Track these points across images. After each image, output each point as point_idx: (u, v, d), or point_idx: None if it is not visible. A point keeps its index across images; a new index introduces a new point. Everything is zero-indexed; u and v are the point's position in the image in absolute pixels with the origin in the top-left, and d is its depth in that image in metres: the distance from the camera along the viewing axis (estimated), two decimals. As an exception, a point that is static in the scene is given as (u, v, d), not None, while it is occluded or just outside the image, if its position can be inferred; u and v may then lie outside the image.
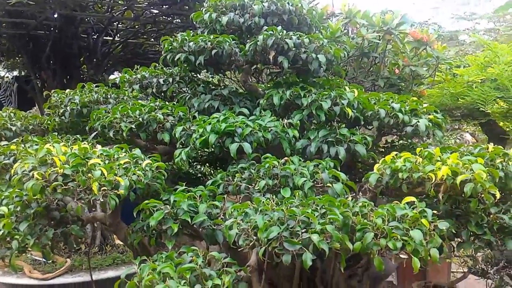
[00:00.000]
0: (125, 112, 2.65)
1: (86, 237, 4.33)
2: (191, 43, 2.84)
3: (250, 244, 1.90)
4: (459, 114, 4.74)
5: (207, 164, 3.52)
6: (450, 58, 4.65)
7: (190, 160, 3.06)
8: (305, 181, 2.24)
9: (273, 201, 2.10)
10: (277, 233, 1.85)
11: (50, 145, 2.17)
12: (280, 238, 1.86)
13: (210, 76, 3.46)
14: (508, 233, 2.30)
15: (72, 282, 3.93)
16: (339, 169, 2.42)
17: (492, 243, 2.30)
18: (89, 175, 2.05)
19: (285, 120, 2.59)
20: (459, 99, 4.29)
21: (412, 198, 2.12)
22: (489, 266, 4.20)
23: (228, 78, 3.86)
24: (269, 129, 2.50)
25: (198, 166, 3.61)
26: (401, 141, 3.18)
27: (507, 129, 4.73)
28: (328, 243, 1.87)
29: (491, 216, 2.32)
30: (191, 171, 3.54)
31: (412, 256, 1.92)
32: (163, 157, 2.89)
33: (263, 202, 2.05)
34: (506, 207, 2.38)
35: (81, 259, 4.25)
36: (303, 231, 1.89)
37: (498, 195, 2.12)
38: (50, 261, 4.10)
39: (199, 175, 3.54)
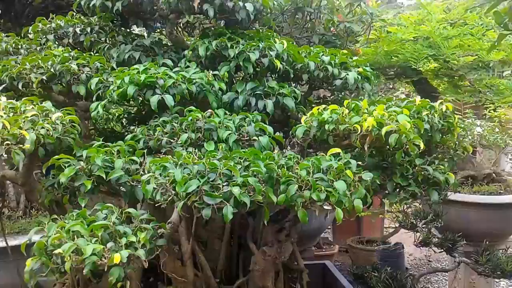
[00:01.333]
0: (36, 63, 2.42)
1: (9, 200, 4.09)
2: (107, -13, 2.62)
3: (169, 199, 1.80)
4: (392, 72, 4.77)
5: (136, 122, 3.35)
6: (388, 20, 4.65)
7: (110, 116, 2.89)
8: (229, 134, 2.14)
9: (196, 155, 2.00)
10: (196, 187, 1.75)
11: None
12: (200, 192, 1.77)
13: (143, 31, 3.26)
14: (432, 184, 2.32)
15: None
16: (269, 124, 2.34)
17: (417, 194, 2.31)
18: (-11, 129, 1.86)
19: (211, 72, 2.46)
20: (393, 57, 4.30)
21: (338, 150, 2.08)
22: (418, 220, 4.35)
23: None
24: (194, 81, 2.36)
25: (128, 125, 3.42)
26: (333, 96, 3.14)
27: (439, 87, 4.82)
28: (251, 196, 1.80)
29: (416, 168, 2.33)
30: (119, 129, 3.35)
31: (336, 207, 1.89)
32: (85, 114, 2.71)
33: (184, 156, 1.94)
34: (431, 159, 2.40)
35: (4, 223, 4.01)
36: (224, 184, 1.80)
37: (422, 146, 2.11)
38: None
39: (126, 134, 3.36)
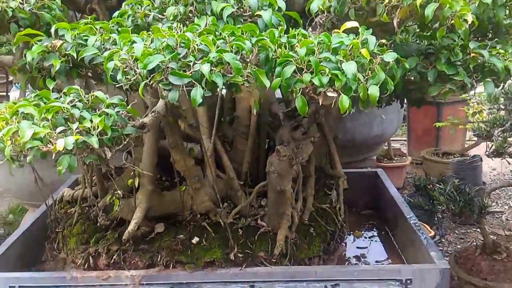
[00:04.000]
0: None
1: None
2: None
3: (132, 79, 1.50)
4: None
5: None
6: None
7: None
8: (224, 7, 1.76)
9: (180, 30, 1.65)
10: (159, 62, 1.43)
11: None
12: (166, 71, 1.45)
13: None
14: (487, 73, 1.81)
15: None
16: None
17: (466, 85, 1.82)
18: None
19: None
20: None
21: (355, 23, 1.64)
22: (495, 127, 3.79)
23: None
24: None
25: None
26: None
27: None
28: (228, 76, 1.45)
29: (470, 52, 1.82)
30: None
31: (341, 93, 1.49)
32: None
33: (160, 29, 1.61)
34: (492, 44, 1.87)
35: None
36: (197, 62, 1.46)
37: (471, 20, 1.60)
38: None
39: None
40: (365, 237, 3.04)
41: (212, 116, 2.68)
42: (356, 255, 2.78)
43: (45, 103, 1.52)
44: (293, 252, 2.36)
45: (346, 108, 1.47)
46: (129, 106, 1.63)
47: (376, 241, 2.97)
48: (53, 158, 1.40)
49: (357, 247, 2.89)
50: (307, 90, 1.54)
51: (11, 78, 5.60)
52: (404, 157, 5.14)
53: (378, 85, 1.52)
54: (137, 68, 1.47)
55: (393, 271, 2.24)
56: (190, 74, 1.42)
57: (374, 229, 3.15)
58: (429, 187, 3.72)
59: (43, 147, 1.38)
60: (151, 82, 1.43)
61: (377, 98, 1.52)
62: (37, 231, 2.74)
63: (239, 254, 2.28)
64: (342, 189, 2.71)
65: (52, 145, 1.39)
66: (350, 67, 1.48)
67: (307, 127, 2.02)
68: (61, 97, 1.58)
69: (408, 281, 2.22)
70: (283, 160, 2.10)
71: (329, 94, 1.50)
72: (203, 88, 1.40)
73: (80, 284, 2.18)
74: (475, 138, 4.67)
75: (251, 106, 2.60)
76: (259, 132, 2.69)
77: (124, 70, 1.50)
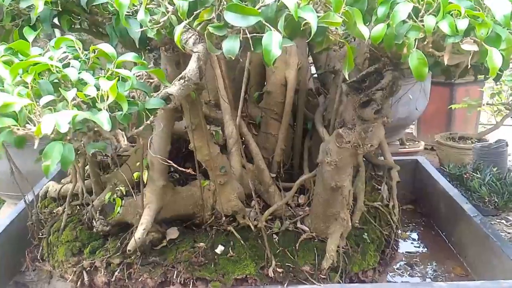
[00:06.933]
0: None
1: None
2: None
3: (162, 20, 0.94)
4: None
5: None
6: None
7: None
8: None
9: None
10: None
11: None
12: (220, 4, 0.90)
13: None
14: None
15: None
16: None
17: None
18: None
19: None
20: None
21: None
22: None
23: None
24: None
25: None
26: None
27: None
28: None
29: None
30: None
31: (487, 46, 0.96)
32: None
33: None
34: None
35: None
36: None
37: None
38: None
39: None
40: (413, 239, 2.54)
41: (236, 93, 2.13)
42: (408, 263, 2.29)
43: (21, 60, 0.96)
44: (344, 264, 1.85)
45: (498, 68, 0.94)
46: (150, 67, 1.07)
47: (426, 244, 2.48)
48: (35, 146, 0.85)
49: (406, 252, 2.40)
50: (425, 43, 1.01)
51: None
52: (417, 142, 4.70)
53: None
54: (170, 2, 0.92)
55: (476, 290, 1.75)
56: (259, 10, 0.87)
57: (421, 229, 2.65)
58: (465, 176, 3.27)
59: (18, 129, 0.83)
60: (194, 24, 0.87)
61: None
62: (17, 233, 2.19)
63: (278, 269, 1.77)
64: (395, 182, 2.19)
65: (34, 125, 0.84)
66: (500, 5, 0.95)
67: (381, 103, 1.49)
68: (46, 51, 1.03)
69: (496, 303, 1.74)
70: (345, 147, 1.57)
71: (466, 47, 0.97)
72: (280, 33, 0.86)
73: (71, 311, 1.66)
74: (494, 121, 4.25)
75: (286, 79, 2.06)
76: (295, 113, 2.15)
77: (147, 7, 0.94)
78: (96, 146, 0.94)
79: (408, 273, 2.22)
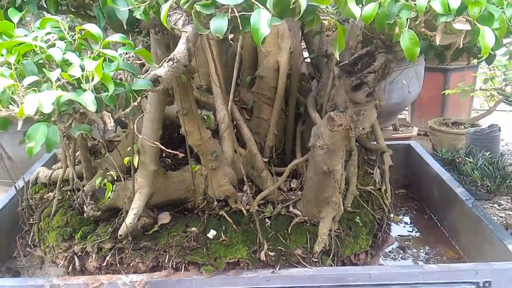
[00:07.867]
0: None
1: None
2: None
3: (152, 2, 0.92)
4: None
5: None
6: None
7: None
8: None
9: None
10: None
11: None
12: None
13: None
14: None
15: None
16: None
17: None
18: None
19: None
20: None
21: None
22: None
23: None
24: None
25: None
26: None
27: None
28: (308, -6, 0.89)
29: None
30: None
31: (479, 26, 0.95)
32: None
33: None
34: None
35: None
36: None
37: None
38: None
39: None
40: (406, 223, 2.55)
41: (228, 77, 2.11)
42: (401, 247, 2.30)
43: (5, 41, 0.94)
44: (336, 248, 1.85)
45: (490, 48, 0.92)
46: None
47: (419, 228, 2.48)
48: (18, 128, 0.83)
49: (398, 236, 2.40)
50: (417, 22, 0.99)
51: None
52: (410, 128, 4.71)
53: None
54: None
55: (467, 272, 1.76)
56: (248, -12, 0.86)
57: (414, 213, 2.66)
58: (457, 160, 3.28)
59: (1, 110, 0.81)
60: (181, 3, 0.85)
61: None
62: (8, 219, 2.18)
63: (270, 253, 1.76)
64: (387, 166, 2.19)
65: (18, 106, 0.82)
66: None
67: (373, 86, 1.48)
68: (31, 32, 1.00)
69: (487, 284, 1.75)
70: (337, 130, 1.55)
71: (458, 26, 0.95)
72: (269, 11, 0.84)
73: (63, 293, 1.66)
74: (486, 107, 4.26)
75: (279, 63, 2.04)
76: (288, 97, 2.14)
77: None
78: (81, 128, 0.92)
79: (400, 256, 2.23)
